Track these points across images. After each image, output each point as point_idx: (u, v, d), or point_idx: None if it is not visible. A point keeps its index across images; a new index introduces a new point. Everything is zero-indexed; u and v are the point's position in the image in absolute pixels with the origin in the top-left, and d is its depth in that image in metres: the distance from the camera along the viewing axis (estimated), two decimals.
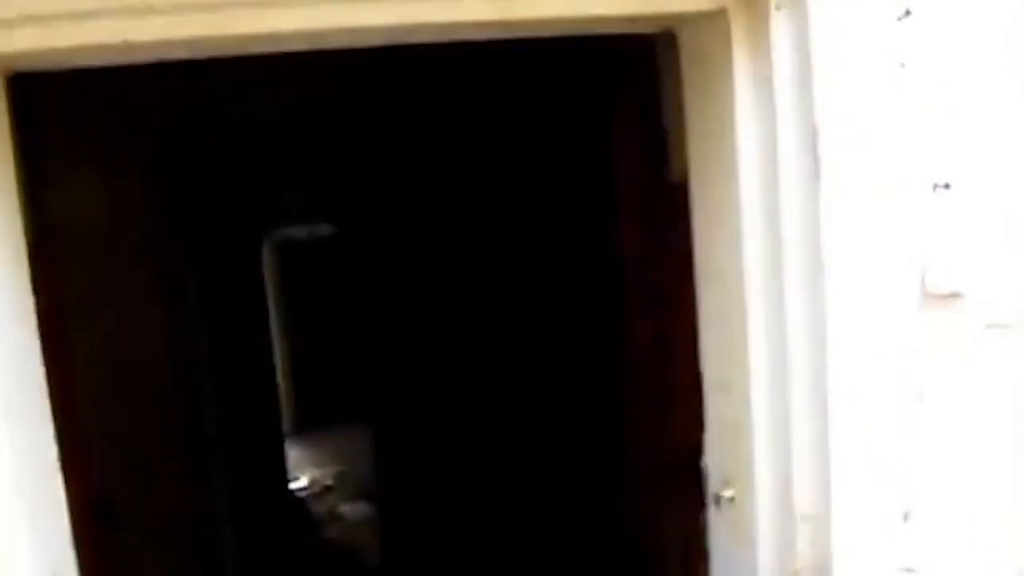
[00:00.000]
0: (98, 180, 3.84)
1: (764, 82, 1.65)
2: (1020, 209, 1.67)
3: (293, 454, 9.15)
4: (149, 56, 1.55)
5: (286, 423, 9.60)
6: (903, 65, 1.58)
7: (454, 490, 5.60)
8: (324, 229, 9.14)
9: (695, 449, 2.10)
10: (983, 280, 1.67)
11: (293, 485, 8.72)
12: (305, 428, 10.68)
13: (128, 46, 1.44)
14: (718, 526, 2.02)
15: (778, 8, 1.60)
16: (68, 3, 1.38)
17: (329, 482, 9.04)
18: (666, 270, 2.37)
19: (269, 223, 8.56)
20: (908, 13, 1.57)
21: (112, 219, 3.96)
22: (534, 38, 1.75)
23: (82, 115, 3.65)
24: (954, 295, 1.65)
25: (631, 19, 1.67)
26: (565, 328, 3.91)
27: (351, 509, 8.38)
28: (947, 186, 1.62)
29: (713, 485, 2.01)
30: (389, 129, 4.59)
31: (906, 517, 1.70)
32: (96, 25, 1.41)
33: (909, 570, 1.71)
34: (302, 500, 8.61)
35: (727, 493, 1.94)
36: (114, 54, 1.51)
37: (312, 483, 9.03)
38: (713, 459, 2.03)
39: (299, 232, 9.83)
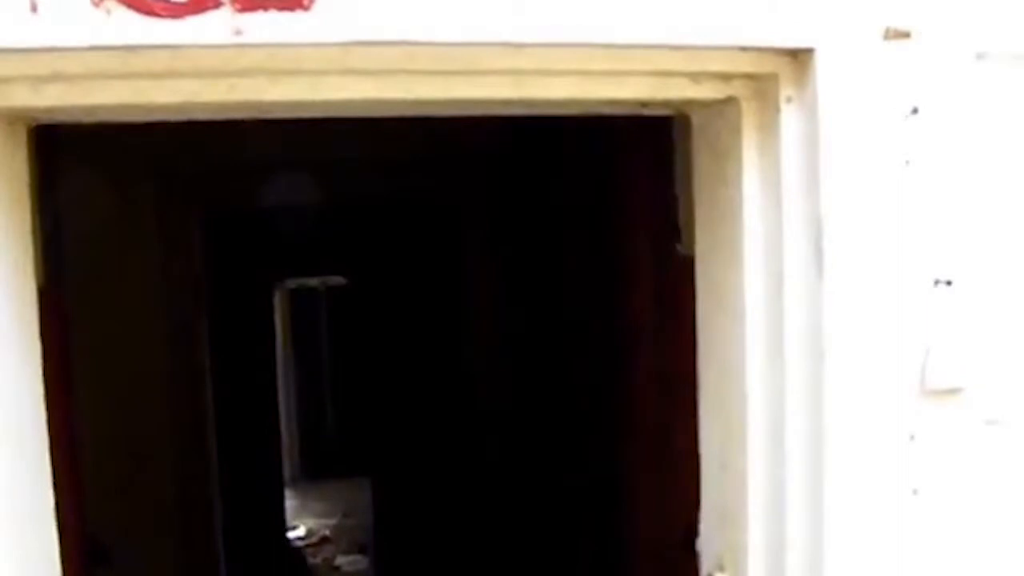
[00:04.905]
0: (112, 226, 3.88)
1: (772, 172, 1.67)
2: (1020, 306, 1.68)
3: (293, 503, 9.10)
4: (166, 117, 1.59)
5: (287, 471, 9.56)
6: (908, 162, 1.60)
7: (452, 548, 5.56)
8: (336, 279, 9.20)
9: (692, 526, 2.09)
10: (983, 376, 1.68)
11: (291, 534, 8.67)
12: (306, 477, 10.64)
13: (147, 108, 1.48)
14: None
15: (788, 101, 1.63)
16: (94, 64, 1.41)
17: (327, 533, 8.99)
18: (674, 343, 2.38)
19: (282, 271, 8.61)
20: (916, 111, 1.60)
21: (123, 264, 4.00)
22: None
23: (98, 159, 3.68)
24: (954, 390, 1.66)
25: (643, 103, 1.70)
26: (571, 397, 3.90)
27: (348, 562, 8.32)
28: (948, 283, 1.64)
29: (707, 566, 2.00)
30: (400, 187, 4.64)
31: None
32: (118, 85, 1.45)
33: None
34: (299, 550, 8.55)
35: None
36: (134, 113, 1.55)
37: (310, 533, 8.97)
38: (708, 540, 2.02)
39: (312, 281, 9.89)
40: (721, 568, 1.91)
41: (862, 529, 1.68)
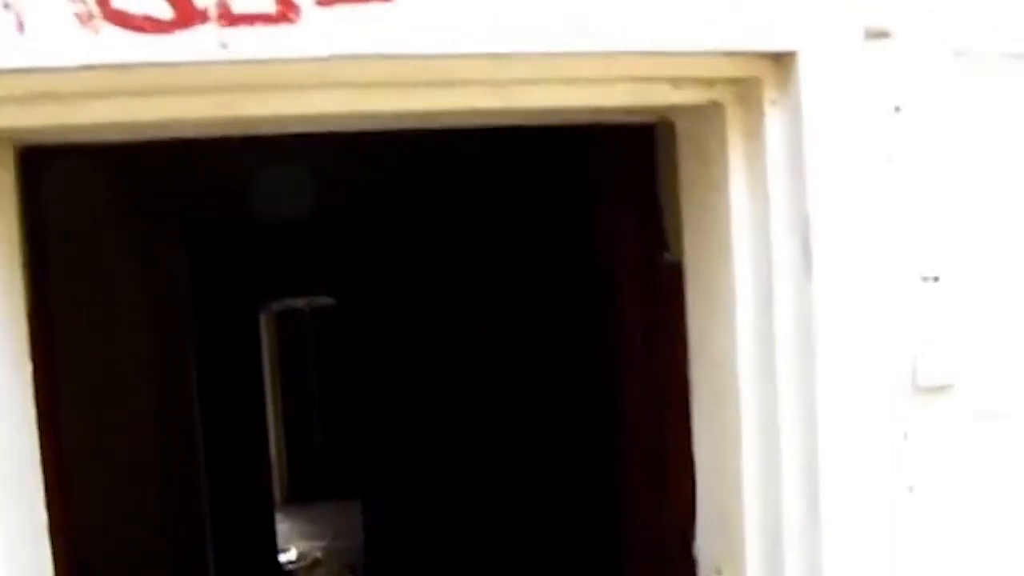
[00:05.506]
0: (98, 249, 3.86)
1: (758, 174, 1.69)
2: (1008, 301, 1.70)
3: (283, 526, 9.07)
4: (155, 135, 1.59)
5: (277, 494, 9.52)
6: (892, 160, 1.62)
7: (440, 562, 5.54)
8: (323, 300, 9.18)
9: (689, 531, 2.10)
10: (973, 371, 1.69)
11: (282, 557, 8.63)
12: (296, 500, 10.60)
13: (137, 126, 1.48)
14: None
15: (772, 103, 1.64)
16: (83, 83, 1.41)
17: (318, 555, 8.95)
18: (665, 351, 2.38)
19: (268, 293, 8.59)
20: (898, 110, 1.62)
21: (110, 287, 3.99)
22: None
23: (84, 185, 3.66)
24: (944, 387, 1.67)
25: (628, 110, 1.71)
26: (566, 410, 3.90)
27: None
28: (936, 279, 1.65)
29: (704, 568, 2.01)
30: (388, 204, 4.64)
31: None
32: (108, 104, 1.45)
33: None
34: (291, 572, 8.51)
35: None
36: (123, 132, 1.55)
37: (301, 556, 8.93)
38: (705, 543, 2.02)
39: (298, 303, 9.87)
40: (719, 571, 1.91)
41: (858, 527, 1.69)
